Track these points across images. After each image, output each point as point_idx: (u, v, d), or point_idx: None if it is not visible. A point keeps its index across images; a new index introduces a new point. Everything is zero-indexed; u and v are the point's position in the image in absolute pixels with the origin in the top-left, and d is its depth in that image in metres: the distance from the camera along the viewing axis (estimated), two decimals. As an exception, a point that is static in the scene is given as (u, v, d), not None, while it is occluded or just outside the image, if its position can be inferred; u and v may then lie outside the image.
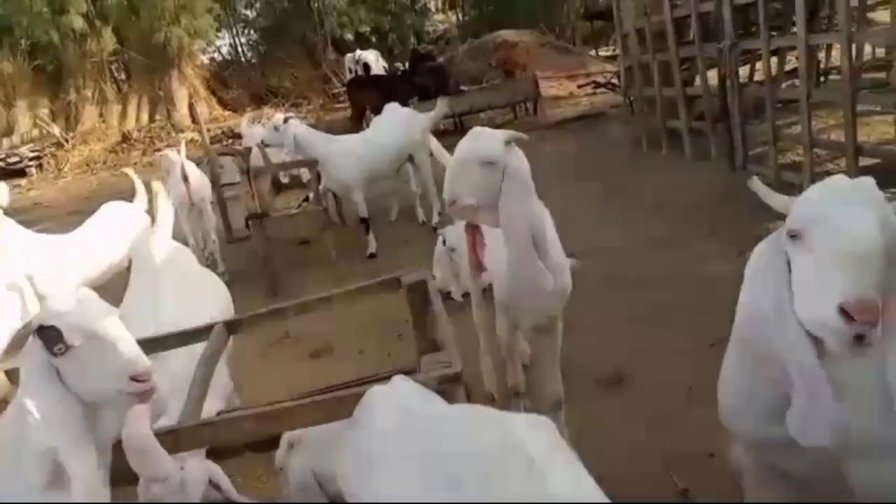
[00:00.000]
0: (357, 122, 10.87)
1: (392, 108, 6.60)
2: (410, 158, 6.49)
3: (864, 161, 4.78)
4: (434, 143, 3.85)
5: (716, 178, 6.05)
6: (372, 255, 6.16)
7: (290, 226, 5.75)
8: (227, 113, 18.40)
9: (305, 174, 6.71)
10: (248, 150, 5.59)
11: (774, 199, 1.65)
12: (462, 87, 13.74)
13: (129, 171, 5.93)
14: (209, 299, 3.06)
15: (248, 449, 2.82)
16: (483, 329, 3.40)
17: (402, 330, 4.37)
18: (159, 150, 16.01)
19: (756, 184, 1.68)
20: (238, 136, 15.16)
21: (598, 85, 12.26)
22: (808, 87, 4.95)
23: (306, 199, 6.48)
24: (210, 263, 6.41)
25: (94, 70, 17.40)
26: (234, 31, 21.33)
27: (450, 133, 12.12)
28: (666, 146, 7.35)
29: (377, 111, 10.62)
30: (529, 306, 2.68)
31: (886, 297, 1.45)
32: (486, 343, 3.37)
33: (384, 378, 2.59)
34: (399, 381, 1.69)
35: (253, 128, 6.82)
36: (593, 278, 4.90)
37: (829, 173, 5.27)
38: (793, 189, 5.17)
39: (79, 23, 16.11)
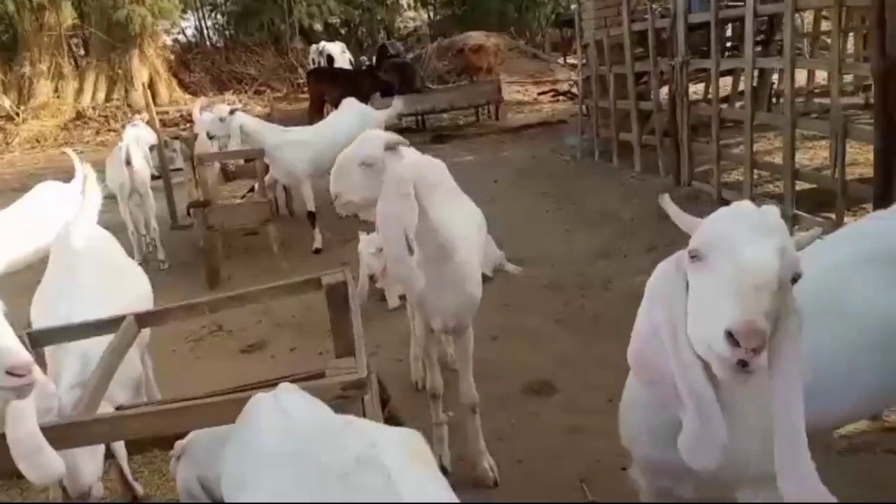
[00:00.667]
0: (315, 114, 10.74)
1: (349, 103, 6.55)
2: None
3: (802, 185, 4.88)
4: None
5: (661, 193, 6.12)
6: (318, 251, 6.10)
7: (234, 216, 5.64)
8: (187, 96, 18.00)
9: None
10: (195, 136, 5.46)
11: (683, 220, 1.65)
12: (428, 86, 13.74)
13: (69, 150, 5.79)
14: (126, 290, 2.97)
15: (155, 446, 2.76)
16: (414, 325, 3.46)
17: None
18: (114, 129, 15.67)
19: (666, 202, 1.68)
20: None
21: (557, 93, 12.36)
22: (752, 110, 5.04)
23: (252, 190, 6.38)
24: (151, 251, 6.30)
25: (51, 43, 16.87)
26: (201, 13, 20.90)
27: (412, 131, 12.09)
28: (617, 158, 7.44)
29: (337, 104, 10.51)
30: (433, 307, 2.74)
31: (777, 328, 1.48)
32: (414, 339, 3.46)
33: (298, 380, 2.56)
34: (284, 388, 1.66)
35: (204, 114, 6.68)
36: (533, 285, 4.96)
37: (768, 195, 5.45)
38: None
39: (37, -6, 15.63)
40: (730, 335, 1.30)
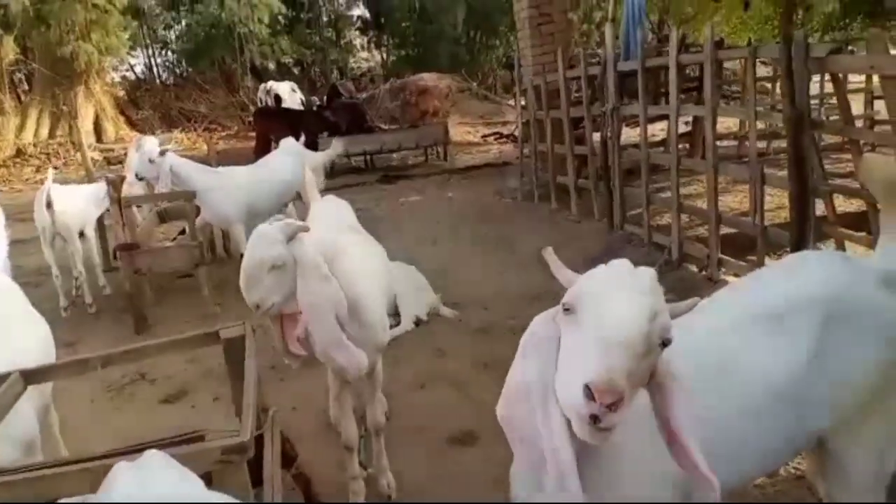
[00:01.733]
0: (262, 153, 10.64)
1: (285, 144, 6.52)
2: (299, 196, 6.39)
3: (726, 230, 5.00)
4: (309, 178, 4.07)
5: (595, 237, 6.23)
6: (252, 294, 5.97)
7: (162, 259, 5.50)
8: (134, 134, 17.74)
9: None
10: (122, 178, 5.34)
11: (562, 274, 1.65)
12: (379, 126, 13.81)
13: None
14: (20, 345, 2.82)
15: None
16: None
17: (264, 375, 4.23)
18: (56, 167, 15.30)
19: (548, 254, 1.68)
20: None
21: (501, 136, 12.54)
22: (677, 155, 5.17)
23: (182, 232, 6.25)
24: (80, 295, 6.10)
25: (-9, 78, 16.51)
26: (150, 50, 20.74)
27: (361, 171, 12.11)
28: (555, 201, 7.53)
29: (282, 144, 10.53)
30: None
31: (657, 392, 1.47)
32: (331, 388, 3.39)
33: (181, 441, 2.46)
34: (150, 456, 1.57)
35: (134, 154, 6.56)
36: (465, 328, 4.95)
37: (698, 238, 5.57)
38: (662, 251, 5.38)
39: (-23, 28, 15.31)
40: (587, 389, 1.28)
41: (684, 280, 5.06)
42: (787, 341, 1.75)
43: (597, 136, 6.47)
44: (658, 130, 8.98)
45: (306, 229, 2.49)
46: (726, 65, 10.00)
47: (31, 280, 6.45)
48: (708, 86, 4.74)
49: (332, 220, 3.28)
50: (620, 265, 1.49)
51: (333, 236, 2.76)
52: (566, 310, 1.46)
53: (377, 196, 9.73)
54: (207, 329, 2.46)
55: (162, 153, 5.51)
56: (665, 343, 1.40)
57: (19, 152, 15.66)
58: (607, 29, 6.05)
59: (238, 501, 1.61)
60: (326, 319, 2.42)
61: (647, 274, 1.46)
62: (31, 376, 2.36)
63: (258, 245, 2.43)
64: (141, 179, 5.49)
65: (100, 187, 5.70)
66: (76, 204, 5.84)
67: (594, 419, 1.28)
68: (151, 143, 5.72)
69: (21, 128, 16.60)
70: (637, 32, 5.86)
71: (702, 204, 6.49)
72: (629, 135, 8.33)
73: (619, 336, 1.33)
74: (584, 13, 22.00)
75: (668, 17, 16.14)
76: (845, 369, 1.76)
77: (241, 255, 5.89)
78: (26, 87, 18.07)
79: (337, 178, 10.77)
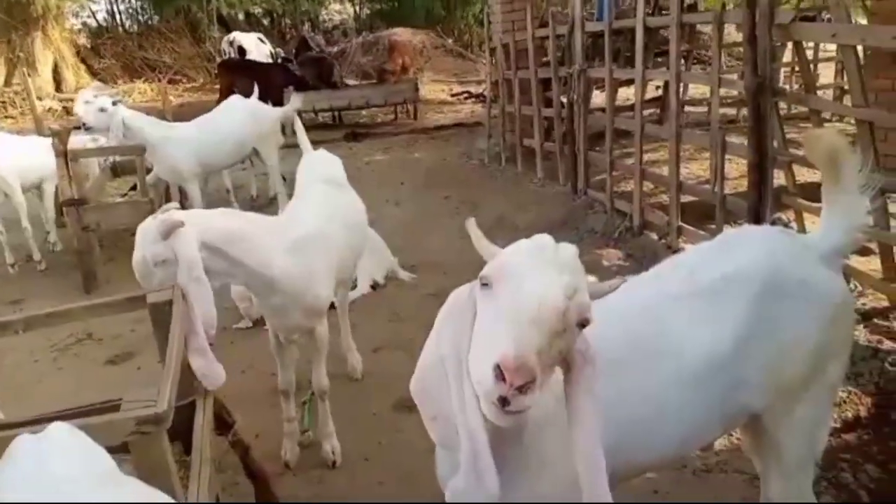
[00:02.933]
0: (224, 108, 10.39)
1: (233, 101, 6.34)
2: (256, 152, 6.22)
3: (686, 197, 4.96)
4: (299, 128, 4.17)
5: (558, 202, 6.17)
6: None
7: (111, 216, 5.34)
8: (96, 83, 17.17)
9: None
10: (68, 130, 5.11)
11: (484, 247, 1.56)
12: (346, 82, 13.50)
13: None
14: None
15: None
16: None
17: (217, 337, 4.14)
18: (11, 116, 14.79)
19: (470, 225, 1.60)
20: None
21: (471, 95, 12.34)
22: (642, 121, 5.10)
23: (134, 188, 6.05)
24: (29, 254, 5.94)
25: (-57, 23, 15.78)
26: (113, -4, 19.95)
27: (329, 127, 11.86)
28: (521, 164, 7.44)
29: (247, 97, 10.25)
30: (275, 326, 3.01)
31: (569, 377, 1.41)
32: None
33: (100, 410, 2.37)
34: (56, 428, 1.49)
35: (83, 106, 6.30)
36: (420, 293, 4.90)
37: (661, 205, 5.53)
38: (624, 217, 5.35)
39: (-74, -32, 14.55)
40: (497, 369, 1.21)
41: (645, 248, 5.04)
42: (721, 316, 1.71)
43: (564, 99, 6.36)
44: (631, 93, 8.85)
45: (181, 224, 2.44)
46: (702, 28, 9.86)
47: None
48: (673, 50, 4.64)
49: (314, 175, 3.40)
50: (542, 240, 1.42)
51: (238, 219, 2.76)
52: (483, 284, 1.38)
53: (342, 154, 9.30)
54: (134, 293, 2.36)
55: (114, 103, 5.29)
56: (583, 323, 1.34)
57: (-27, 100, 15.08)
58: (575, -12, 5.90)
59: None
60: (192, 321, 2.36)
61: (569, 250, 1.39)
62: (-56, 340, 2.24)
63: (140, 242, 2.46)
64: (88, 129, 5.26)
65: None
66: (25, 155, 5.63)
67: (503, 401, 1.22)
68: (99, 93, 5.48)
69: (-25, 75, 15.97)
70: (607, -4, 5.72)
71: (667, 169, 6.48)
72: (598, 99, 8.24)
73: (533, 312, 1.26)
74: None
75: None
76: (779, 348, 1.73)
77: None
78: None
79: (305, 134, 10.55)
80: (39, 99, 14.90)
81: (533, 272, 1.32)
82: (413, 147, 9.97)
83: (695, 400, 1.71)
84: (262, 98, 7.30)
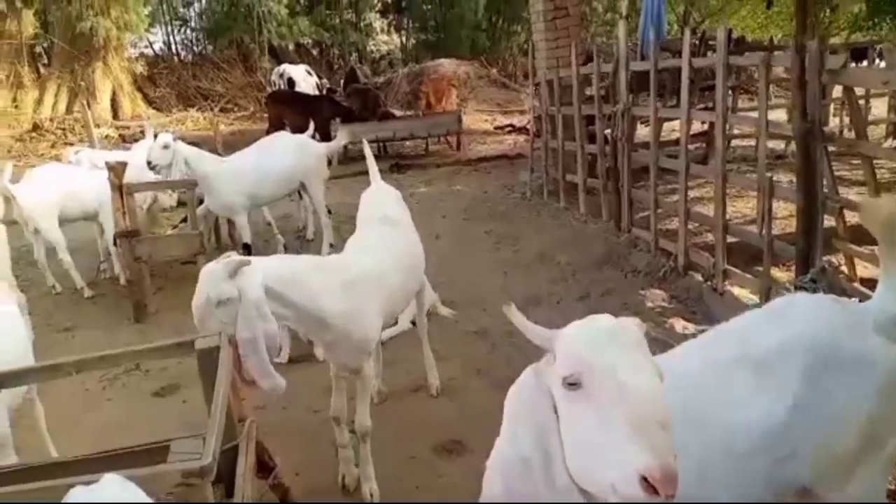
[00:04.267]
0: (273, 138, 10.66)
1: (280, 137, 6.51)
2: (303, 185, 6.34)
3: (732, 238, 4.88)
4: (369, 156, 4.23)
5: (601, 239, 6.12)
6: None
7: (162, 247, 5.49)
8: (151, 111, 17.80)
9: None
10: (123, 164, 5.30)
11: (533, 331, 1.52)
12: (392, 111, 13.69)
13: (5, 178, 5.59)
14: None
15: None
16: None
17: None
18: (71, 143, 15.37)
19: (512, 312, 1.57)
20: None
21: (514, 128, 12.39)
22: (687, 161, 5.05)
23: (184, 220, 6.22)
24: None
25: (11, 52, 16.56)
26: (170, 28, 20.73)
27: (376, 157, 12.00)
28: (564, 199, 7.42)
29: (295, 128, 10.48)
30: (328, 358, 3.12)
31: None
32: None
33: (159, 448, 2.43)
34: (108, 481, 1.53)
35: (138, 143, 6.55)
36: (461, 330, 4.88)
37: (706, 245, 5.45)
38: (668, 257, 5.27)
39: (-3, 1, 15.35)
40: (645, 481, 1.18)
41: (689, 289, 4.96)
42: (771, 388, 1.68)
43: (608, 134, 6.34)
44: (677, 125, 8.73)
45: (248, 263, 2.57)
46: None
47: (33, 260, 6.47)
48: (719, 91, 4.60)
49: (372, 213, 3.52)
50: (605, 322, 1.40)
51: (294, 262, 2.92)
52: (570, 384, 1.34)
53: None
54: (182, 339, 2.42)
55: (174, 140, 5.50)
56: None
57: (35, 127, 15.73)
58: (620, 27, 5.91)
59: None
60: (258, 353, 2.53)
61: (634, 327, 1.38)
62: (3, 380, 2.34)
63: (205, 282, 2.53)
64: (153, 168, 5.45)
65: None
66: (75, 188, 5.86)
67: None
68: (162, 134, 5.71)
69: (39, 102, 16.69)
70: (650, 32, 5.71)
71: (712, 208, 6.38)
72: (643, 132, 8.19)
73: (656, 415, 1.23)
74: (608, 1, 21.74)
75: (694, 10, 15.88)
76: (832, 421, 1.68)
77: (244, 245, 5.93)
78: (46, 62, 18.12)
79: (351, 164, 10.71)
80: (97, 126, 15.50)
81: (624, 364, 1.29)
82: (455, 179, 10.04)
83: (741, 471, 1.68)
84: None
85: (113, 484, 1.55)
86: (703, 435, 1.66)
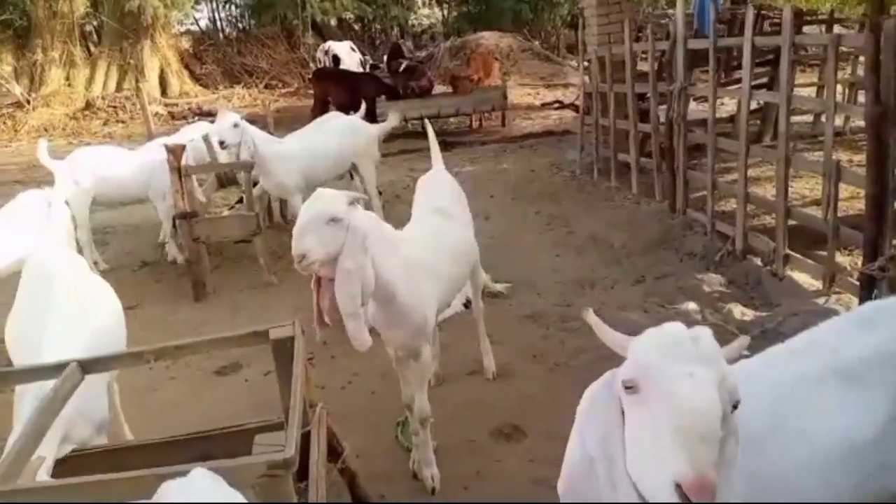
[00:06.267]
0: (319, 115, 10.69)
1: (334, 117, 6.53)
2: (354, 167, 6.39)
3: (792, 221, 4.77)
4: (431, 138, 4.11)
5: (655, 220, 6.03)
6: (305, 263, 6.05)
7: (220, 228, 5.61)
8: (198, 88, 18.05)
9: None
10: (182, 146, 5.40)
11: (609, 336, 1.53)
12: (428, 87, 13.58)
13: (43, 153, 5.74)
14: (95, 315, 2.94)
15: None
16: None
17: (316, 351, 4.28)
18: (122, 120, 15.71)
19: (590, 317, 1.58)
20: (206, 115, 14.88)
21: (562, 105, 12.21)
22: (747, 143, 4.92)
23: (240, 201, 6.33)
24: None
25: (63, 31, 16.91)
26: (215, 4, 20.90)
27: (420, 136, 11.96)
28: (615, 178, 7.32)
29: (340, 106, 10.52)
30: (385, 338, 3.07)
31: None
32: None
33: (245, 430, 2.52)
34: (197, 475, 1.59)
35: (196, 124, 6.65)
36: (514, 314, 4.87)
37: (765, 227, 5.33)
38: (725, 241, 5.17)
39: (51, -19, 15.67)
40: (679, 487, 1.22)
41: (748, 274, 4.87)
42: (864, 400, 1.65)
43: (662, 114, 6.22)
44: (727, 100, 8.48)
45: (364, 198, 2.72)
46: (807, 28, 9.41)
47: (98, 238, 6.67)
48: (784, 73, 4.46)
49: (426, 204, 3.51)
50: (677, 333, 1.40)
51: (384, 225, 2.90)
52: (628, 388, 1.37)
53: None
54: (257, 328, 2.47)
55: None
56: (735, 405, 1.34)
57: (88, 105, 16.10)
58: (678, 3, 5.74)
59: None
60: (352, 287, 2.55)
61: (706, 337, 1.37)
62: (88, 366, 2.43)
63: (322, 199, 2.57)
64: (224, 147, 5.55)
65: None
66: (130, 171, 6.01)
67: None
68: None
69: (90, 81, 17.05)
70: (709, 8, 5.55)
71: (770, 189, 6.21)
72: (695, 108, 8.00)
73: (699, 427, 1.25)
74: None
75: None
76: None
77: (297, 226, 6.01)
78: (96, 40, 18.46)
79: (394, 141, 10.72)
80: (148, 104, 15.80)
81: (681, 374, 1.30)
82: (501, 157, 9.98)
83: (833, 483, 1.66)
84: (355, 107, 7.51)
85: (204, 479, 1.60)
86: (793, 446, 1.65)
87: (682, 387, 1.28)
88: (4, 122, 15.27)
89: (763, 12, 8.94)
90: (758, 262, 4.93)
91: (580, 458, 1.50)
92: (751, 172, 6.66)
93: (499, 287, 5.17)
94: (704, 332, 1.38)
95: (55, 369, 2.36)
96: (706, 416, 1.26)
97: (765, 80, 7.61)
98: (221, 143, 5.59)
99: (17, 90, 16.01)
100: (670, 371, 1.31)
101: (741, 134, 4.95)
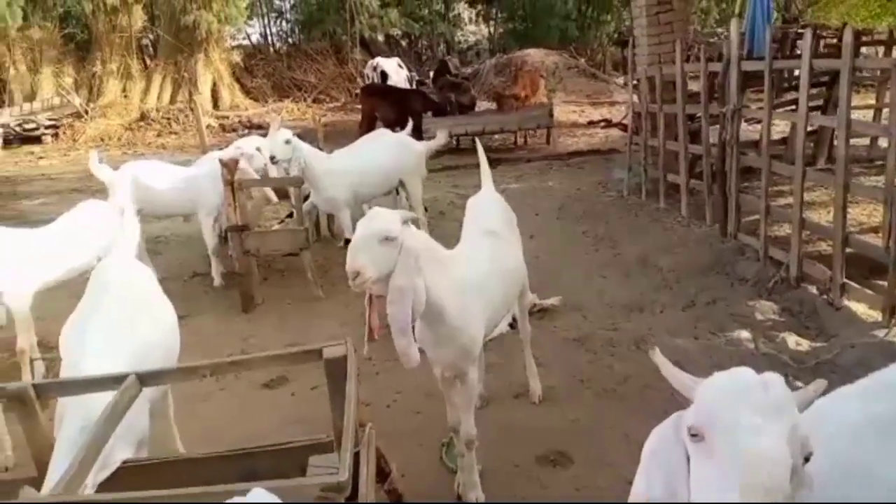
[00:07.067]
0: (366, 130, 10.81)
1: (381, 134, 6.61)
2: (401, 183, 6.44)
3: (850, 248, 4.63)
4: (482, 157, 4.16)
5: (705, 244, 5.92)
6: (352, 278, 6.10)
7: (270, 242, 5.71)
8: (248, 101, 18.45)
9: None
10: (236, 161, 5.52)
11: (676, 378, 1.49)
12: (476, 105, 13.63)
13: (94, 164, 5.87)
14: (150, 330, 3.00)
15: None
16: None
17: (360, 367, 4.30)
18: (175, 132, 16.14)
19: (657, 356, 1.56)
20: (256, 127, 15.20)
21: (609, 124, 12.11)
22: (803, 167, 4.81)
23: (290, 215, 6.42)
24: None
25: (121, 44, 17.51)
26: (266, 20, 21.38)
27: (465, 152, 12.00)
28: (664, 199, 7.22)
29: (387, 121, 10.64)
30: (432, 358, 3.05)
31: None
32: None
33: (295, 448, 2.54)
34: (256, 495, 1.62)
35: (247, 139, 6.77)
36: (559, 337, 4.82)
37: (820, 254, 5.19)
38: (778, 267, 5.05)
39: (111, -4, 16.24)
40: None
41: (803, 302, 4.73)
42: None
43: (713, 135, 6.12)
44: (777, 121, 8.31)
45: (417, 218, 2.75)
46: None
47: (150, 248, 6.83)
48: (843, 96, 4.35)
49: (476, 224, 3.50)
50: (746, 379, 1.35)
51: (435, 244, 2.91)
52: (693, 435, 1.34)
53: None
54: (310, 347, 2.50)
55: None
56: (807, 458, 1.29)
57: (143, 116, 16.59)
58: (732, 24, 5.67)
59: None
60: (404, 306, 2.59)
61: (776, 385, 1.33)
62: (146, 379, 2.48)
63: (377, 218, 2.61)
64: (275, 162, 5.64)
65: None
66: (173, 188, 6.13)
67: None
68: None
69: (145, 92, 17.57)
70: (766, 29, 5.46)
71: (824, 214, 6.07)
72: (743, 129, 7.85)
73: (766, 483, 1.20)
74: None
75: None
76: None
77: (346, 241, 6.09)
78: (152, 53, 19.04)
79: (439, 157, 10.76)
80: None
81: (749, 427, 1.26)
82: (547, 175, 9.93)
83: None
84: (402, 123, 7.57)
85: (263, 498, 1.63)
86: (867, 495, 1.59)
87: (749, 441, 1.24)
88: (64, 132, 15.81)
89: (817, 32, 8.77)
90: (813, 290, 4.80)
91: (643, 499, 1.47)
92: (804, 197, 6.53)
93: (550, 302, 5.13)
94: (775, 380, 1.34)
95: (114, 381, 2.42)
96: (774, 473, 1.21)
97: (819, 101, 7.45)
98: (272, 159, 5.67)
99: (77, 101, 16.59)
100: (737, 423, 1.27)
101: (797, 158, 4.84)
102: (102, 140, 15.50)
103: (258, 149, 6.15)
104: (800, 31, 11.24)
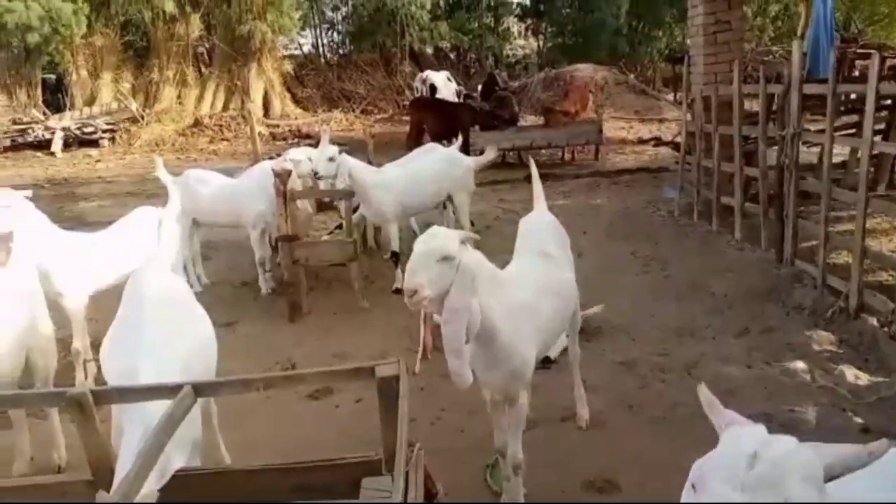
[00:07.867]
0: (414, 143, 10.87)
1: (431, 148, 6.62)
2: (449, 197, 6.44)
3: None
4: (534, 175, 4.25)
5: (760, 269, 5.77)
6: (397, 291, 6.11)
7: (319, 252, 5.77)
8: (298, 110, 18.76)
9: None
10: (288, 172, 5.60)
11: (715, 417, 1.45)
12: (523, 120, 13.58)
13: (161, 170, 5.99)
14: (188, 341, 3.00)
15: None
16: None
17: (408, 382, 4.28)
18: (226, 139, 16.49)
19: (703, 392, 1.50)
20: (305, 136, 15.43)
21: (660, 142, 11.94)
22: (867, 195, 4.65)
23: (339, 227, 6.47)
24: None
25: (178, 52, 18.00)
26: (318, 31, 21.74)
27: (512, 167, 11.97)
28: (717, 222, 7.07)
29: (435, 135, 10.69)
30: (483, 380, 3.02)
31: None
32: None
33: (343, 465, 2.53)
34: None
35: (294, 152, 6.84)
36: (607, 360, 4.74)
37: (881, 284, 5.01)
38: (837, 296, 4.88)
39: (170, 6, 16.69)
40: None
41: (862, 334, 4.57)
42: None
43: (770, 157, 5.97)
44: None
45: (476, 238, 2.78)
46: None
47: (202, 252, 6.94)
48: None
49: (528, 244, 3.51)
50: (745, 440, 1.27)
51: (490, 267, 2.88)
52: (693, 484, 1.31)
53: (524, 197, 9.60)
54: (362, 364, 2.50)
55: (340, 153, 5.70)
56: None
57: (196, 122, 17.01)
58: (795, 46, 5.54)
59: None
60: (459, 325, 2.58)
61: (781, 455, 1.21)
62: (201, 390, 2.51)
63: (436, 237, 2.63)
64: (319, 178, 5.68)
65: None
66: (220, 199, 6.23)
67: None
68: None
69: (200, 100, 18.02)
70: (830, 51, 5.31)
71: (886, 243, 5.88)
72: (803, 152, 7.65)
73: None
74: (758, 6, 20.58)
75: (857, 17, 14.70)
76: None
77: (392, 253, 6.10)
78: (207, 61, 19.52)
79: (485, 172, 10.75)
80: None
81: (726, 500, 1.20)
82: (595, 192, 9.83)
83: None
84: (450, 136, 7.58)
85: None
86: None
87: None
88: (120, 136, 16.30)
89: (884, 55, 8.52)
90: (873, 321, 4.62)
91: None
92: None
93: (592, 311, 5.07)
94: (783, 448, 1.23)
95: (170, 390, 2.46)
96: None
97: (881, 125, 7.23)
98: (315, 174, 5.71)
99: (133, 106, 17.10)
100: (717, 495, 1.21)
101: (861, 184, 4.68)
102: (157, 145, 15.92)
103: (309, 158, 6.22)
104: (859, 51, 10.98)
